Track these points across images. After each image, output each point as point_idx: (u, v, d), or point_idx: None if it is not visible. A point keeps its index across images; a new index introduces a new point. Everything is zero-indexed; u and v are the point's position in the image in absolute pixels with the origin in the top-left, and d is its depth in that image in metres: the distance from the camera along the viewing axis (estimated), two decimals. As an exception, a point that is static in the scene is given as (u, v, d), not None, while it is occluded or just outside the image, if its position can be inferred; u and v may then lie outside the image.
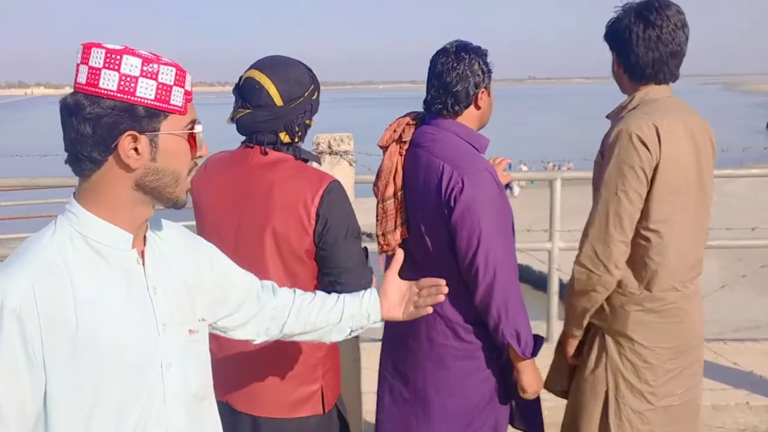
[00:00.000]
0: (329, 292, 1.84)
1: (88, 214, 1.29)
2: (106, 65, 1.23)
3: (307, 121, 2.11)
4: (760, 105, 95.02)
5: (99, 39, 1.51)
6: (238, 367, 2.07)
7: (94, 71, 1.23)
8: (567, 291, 2.31)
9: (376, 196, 2.38)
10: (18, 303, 1.18)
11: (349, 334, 1.78)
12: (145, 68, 1.24)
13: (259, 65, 2.08)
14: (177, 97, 1.27)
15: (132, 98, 1.24)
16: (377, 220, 2.36)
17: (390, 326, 2.48)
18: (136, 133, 1.25)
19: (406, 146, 2.33)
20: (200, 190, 2.12)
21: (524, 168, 16.48)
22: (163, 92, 1.26)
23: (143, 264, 1.34)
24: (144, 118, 1.25)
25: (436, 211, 2.21)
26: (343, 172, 2.80)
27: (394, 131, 2.36)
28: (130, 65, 1.23)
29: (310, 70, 2.13)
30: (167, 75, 1.26)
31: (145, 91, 1.24)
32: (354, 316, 1.74)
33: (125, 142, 1.25)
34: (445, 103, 2.26)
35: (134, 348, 1.28)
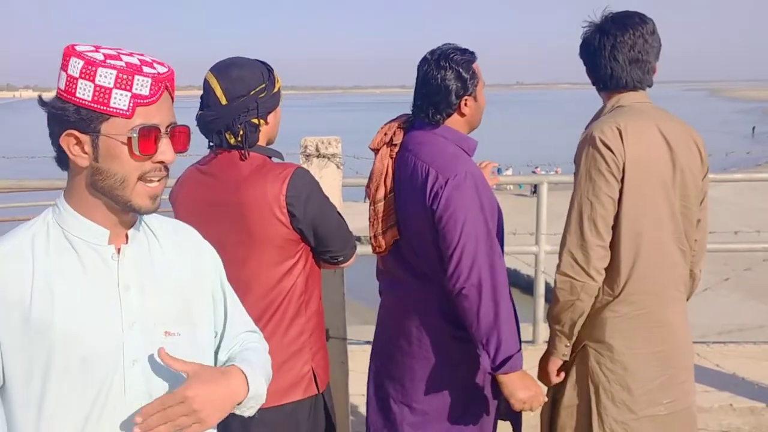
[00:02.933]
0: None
1: (68, 207, 1.34)
2: (62, 66, 1.29)
3: (254, 120, 2.05)
4: (745, 111, 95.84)
5: (92, 42, 1.51)
6: None
7: (59, 73, 1.29)
8: (551, 307, 2.24)
9: (369, 198, 2.39)
10: None
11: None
12: (83, 70, 1.25)
13: (213, 67, 2.08)
14: (119, 101, 1.26)
15: (73, 98, 1.26)
16: (369, 222, 2.37)
17: (381, 328, 2.50)
18: (77, 133, 1.27)
19: (396, 149, 2.34)
20: (175, 201, 2.15)
21: (509, 173, 16.43)
22: (101, 95, 1.25)
23: (118, 261, 1.35)
24: (81, 119, 1.27)
25: (423, 214, 2.22)
26: (330, 175, 2.81)
27: (385, 134, 2.37)
28: (73, 67, 1.26)
29: (269, 70, 2.09)
30: (106, 78, 1.25)
31: (83, 92, 1.25)
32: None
33: (65, 141, 1.29)
34: (427, 112, 2.27)
35: (88, 341, 1.29)
